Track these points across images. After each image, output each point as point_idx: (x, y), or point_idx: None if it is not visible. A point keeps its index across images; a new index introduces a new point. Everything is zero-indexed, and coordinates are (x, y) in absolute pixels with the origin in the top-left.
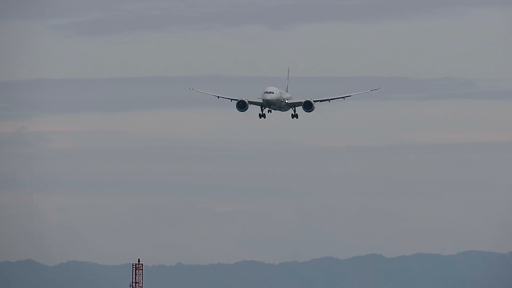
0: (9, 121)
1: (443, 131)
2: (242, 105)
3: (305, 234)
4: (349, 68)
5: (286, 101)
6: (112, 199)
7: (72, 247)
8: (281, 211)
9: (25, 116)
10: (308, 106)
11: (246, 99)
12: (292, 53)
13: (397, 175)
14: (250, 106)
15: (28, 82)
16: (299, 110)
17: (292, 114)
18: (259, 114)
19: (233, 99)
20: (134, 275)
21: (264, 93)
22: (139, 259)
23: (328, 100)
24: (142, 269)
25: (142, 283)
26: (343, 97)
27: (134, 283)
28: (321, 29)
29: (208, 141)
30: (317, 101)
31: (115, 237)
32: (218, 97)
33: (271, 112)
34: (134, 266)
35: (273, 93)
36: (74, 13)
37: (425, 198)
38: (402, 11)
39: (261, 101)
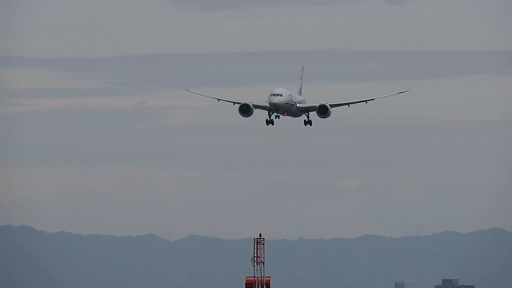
0: (128, 96)
1: None
2: (246, 110)
3: (427, 208)
4: (466, 42)
5: (298, 105)
6: (234, 174)
7: (193, 222)
8: (403, 186)
9: (144, 91)
10: (323, 111)
11: (250, 102)
12: (407, 28)
13: None
14: (256, 111)
15: (147, 56)
16: (313, 116)
17: (305, 120)
18: (267, 120)
19: (236, 103)
20: (255, 249)
21: (271, 95)
22: (260, 234)
23: (348, 104)
24: (263, 244)
25: (263, 257)
26: (365, 101)
27: (255, 257)
28: (438, 4)
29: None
30: (334, 105)
31: (237, 212)
32: (219, 100)
33: (279, 117)
34: (255, 240)
35: (281, 95)
36: None
37: None
38: None
39: (268, 105)
